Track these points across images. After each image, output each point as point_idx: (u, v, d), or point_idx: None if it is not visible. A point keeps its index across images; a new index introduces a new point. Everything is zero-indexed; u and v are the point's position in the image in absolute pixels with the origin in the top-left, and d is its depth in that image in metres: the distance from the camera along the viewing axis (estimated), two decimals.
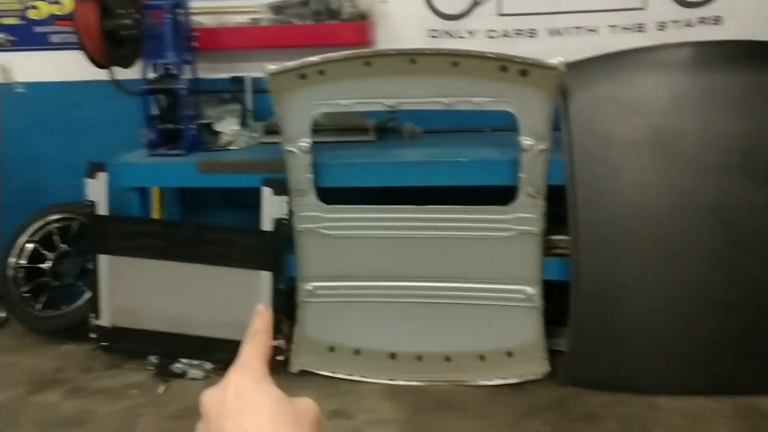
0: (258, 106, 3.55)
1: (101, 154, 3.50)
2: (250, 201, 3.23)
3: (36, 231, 3.67)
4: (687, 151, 2.78)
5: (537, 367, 3.01)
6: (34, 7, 3.68)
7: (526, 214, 2.89)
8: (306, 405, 0.64)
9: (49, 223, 3.67)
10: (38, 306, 3.62)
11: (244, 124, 3.46)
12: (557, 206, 2.93)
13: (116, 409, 2.99)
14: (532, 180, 2.84)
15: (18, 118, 3.85)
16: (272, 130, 3.40)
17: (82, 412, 3.00)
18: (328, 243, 3.05)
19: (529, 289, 2.98)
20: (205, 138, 3.38)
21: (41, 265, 3.69)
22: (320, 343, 3.15)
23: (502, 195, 2.94)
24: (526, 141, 2.80)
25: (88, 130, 3.78)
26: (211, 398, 0.63)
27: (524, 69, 2.71)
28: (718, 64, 2.80)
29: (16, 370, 3.40)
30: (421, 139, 3.39)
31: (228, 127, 3.35)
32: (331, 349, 3.15)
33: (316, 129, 3.03)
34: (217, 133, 3.39)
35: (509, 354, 3.04)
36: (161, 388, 3.12)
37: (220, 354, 3.18)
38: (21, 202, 3.89)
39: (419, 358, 3.10)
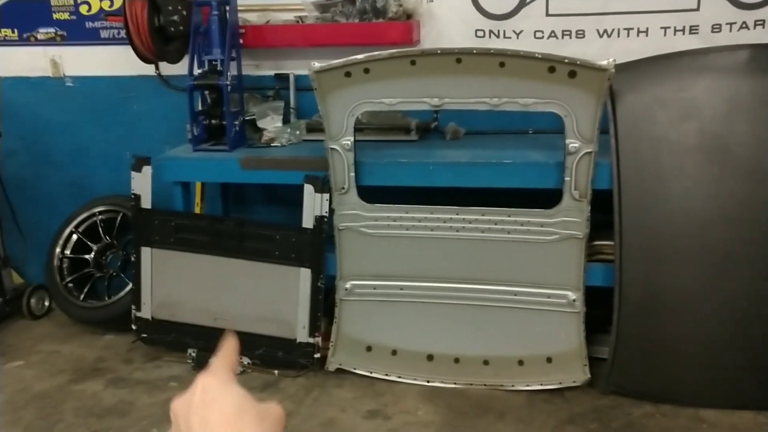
0: (301, 103, 3.56)
1: (147, 149, 3.55)
2: (292, 198, 3.24)
3: (81, 222, 3.74)
4: (740, 158, 2.70)
5: (577, 374, 2.95)
6: (85, 3, 3.75)
7: (570, 218, 2.84)
8: (271, 406, 0.65)
9: (94, 215, 3.74)
10: (81, 296, 3.69)
11: (287, 121, 3.47)
12: (602, 211, 2.87)
13: (156, 401, 3.03)
14: (577, 183, 2.79)
15: (67, 111, 3.92)
16: (315, 128, 3.40)
17: (122, 402, 3.04)
18: (368, 242, 3.04)
19: (571, 295, 2.93)
20: (248, 134, 3.40)
21: (85, 256, 3.75)
22: (357, 342, 3.14)
23: (546, 198, 2.89)
24: (572, 143, 2.75)
25: (135, 124, 3.84)
26: (178, 402, 0.65)
27: (573, 70, 2.66)
28: None
29: (59, 358, 3.47)
30: (463, 140, 3.36)
31: (271, 124, 3.36)
32: (369, 348, 3.14)
33: (359, 128, 3.02)
34: (260, 130, 3.40)
35: (549, 360, 2.99)
36: None
37: (258, 349, 3.20)
38: (68, 194, 3.97)
39: (457, 360, 3.07)
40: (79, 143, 3.94)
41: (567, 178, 2.79)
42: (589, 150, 2.74)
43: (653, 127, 2.79)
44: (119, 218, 3.69)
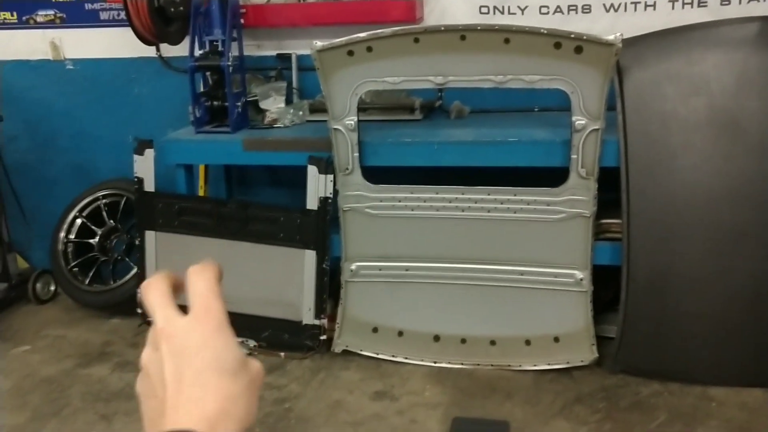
0: (304, 84, 3.52)
1: (149, 131, 3.53)
2: (295, 179, 3.21)
3: (85, 206, 3.73)
4: (751, 134, 2.65)
5: (585, 353, 2.94)
6: None
7: (577, 197, 2.81)
8: (256, 368, 0.61)
9: (98, 199, 3.72)
10: (86, 281, 3.68)
11: (289, 101, 3.43)
12: (609, 189, 2.83)
13: None
14: (584, 161, 2.75)
15: (68, 94, 3.89)
16: (318, 108, 3.37)
17: (129, 386, 3.03)
18: (373, 223, 3.01)
19: (579, 274, 2.90)
20: (251, 116, 3.37)
21: (90, 240, 3.74)
22: (363, 323, 3.13)
23: (553, 176, 2.86)
24: (579, 121, 2.70)
25: (137, 107, 3.80)
26: (171, 339, 0.62)
27: (579, 45, 2.61)
28: None
29: (65, 343, 3.47)
30: (468, 119, 3.31)
31: (274, 105, 3.33)
32: (375, 329, 3.13)
33: (362, 108, 2.98)
34: (262, 111, 3.37)
35: (556, 339, 2.97)
36: None
37: (263, 332, 3.19)
38: (71, 178, 3.95)
39: (463, 341, 3.06)
40: (82, 127, 3.91)
41: (574, 156, 2.75)
42: (596, 127, 2.70)
43: (661, 103, 2.74)
44: (123, 202, 3.67)
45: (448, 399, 2.83)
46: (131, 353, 3.33)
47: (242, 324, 3.19)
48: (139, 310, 3.39)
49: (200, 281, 0.65)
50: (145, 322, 3.41)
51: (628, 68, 2.77)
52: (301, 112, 3.34)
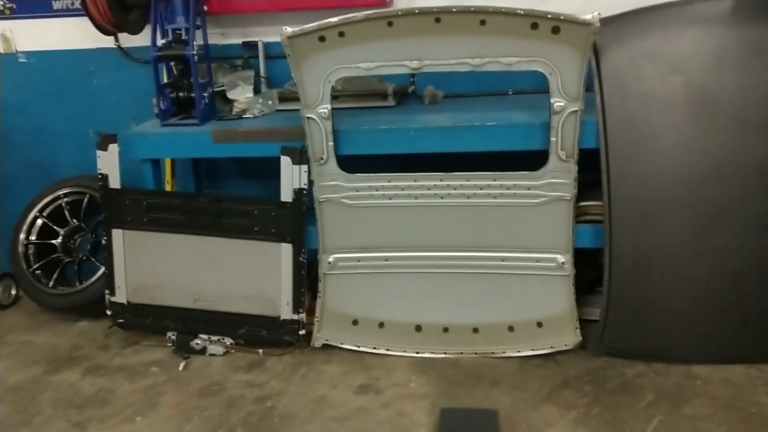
0: (272, 72, 3.41)
1: (111, 125, 3.40)
2: (267, 171, 3.12)
3: (45, 206, 3.57)
4: (729, 111, 2.64)
5: (569, 337, 2.92)
6: None
7: (557, 180, 2.77)
8: None
9: (58, 198, 3.57)
10: (50, 283, 3.53)
11: (257, 91, 3.33)
12: (587, 170, 2.81)
13: (137, 388, 2.92)
14: (563, 143, 2.72)
15: (23, 89, 3.72)
16: (288, 97, 3.27)
17: (102, 390, 2.92)
18: (350, 213, 2.94)
19: (560, 257, 2.87)
20: (218, 107, 3.25)
21: (52, 241, 3.59)
22: (343, 316, 3.06)
23: (532, 160, 2.81)
24: (557, 102, 2.67)
25: (97, 100, 3.65)
26: None
27: (556, 26, 2.57)
28: (763, 16, 2.65)
29: (32, 348, 3.33)
30: (442, 104, 3.26)
31: (242, 94, 3.22)
32: (355, 322, 3.06)
33: (333, 95, 2.88)
34: (230, 102, 3.26)
35: (539, 324, 2.95)
36: (181, 365, 3.04)
37: (240, 329, 3.10)
38: (29, 177, 3.79)
39: (446, 330, 3.01)
40: (39, 122, 3.75)
41: (553, 139, 2.72)
42: (575, 108, 2.66)
43: (640, 82, 2.71)
44: (86, 200, 3.52)
45: (434, 389, 2.78)
46: (102, 356, 3.20)
47: (218, 321, 3.11)
48: (108, 312, 3.26)
49: None
50: (116, 324, 3.29)
51: (605, 48, 2.74)
52: (270, 102, 3.24)
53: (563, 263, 2.87)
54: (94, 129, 3.66)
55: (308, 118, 2.81)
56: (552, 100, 2.66)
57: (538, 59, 2.62)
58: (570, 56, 2.59)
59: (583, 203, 2.89)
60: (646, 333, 2.82)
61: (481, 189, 2.84)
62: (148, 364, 3.10)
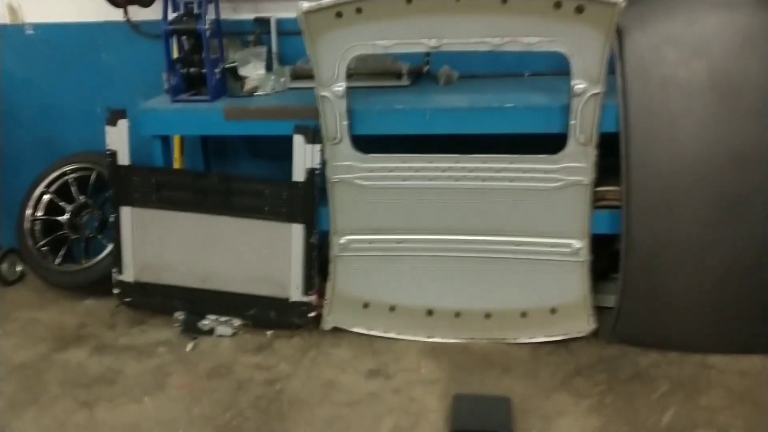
0: (284, 49, 3.34)
1: (118, 101, 3.33)
2: (277, 150, 3.06)
3: (52, 182, 3.52)
4: (752, 97, 2.58)
5: (583, 324, 2.88)
6: None
7: (575, 164, 2.72)
8: None
9: (65, 174, 3.51)
10: (57, 260, 3.49)
11: (269, 68, 3.26)
12: (605, 155, 2.75)
13: (145, 368, 2.88)
14: (583, 127, 2.66)
15: (29, 63, 3.65)
16: (300, 75, 3.21)
17: (109, 370, 2.89)
18: (363, 194, 2.89)
19: (576, 243, 2.82)
20: (229, 83, 3.18)
21: (59, 218, 3.54)
22: (354, 299, 3.02)
23: (548, 144, 2.76)
24: (578, 85, 2.60)
25: (104, 75, 3.58)
26: None
27: (580, 5, 2.49)
28: None
29: (38, 326, 3.29)
30: (457, 84, 3.19)
31: (254, 71, 3.15)
32: (366, 305, 3.02)
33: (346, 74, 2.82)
34: (241, 79, 3.19)
35: (553, 311, 2.90)
36: (189, 346, 3.01)
37: (249, 310, 3.07)
38: (37, 152, 3.73)
39: (458, 315, 2.97)
40: (46, 98, 3.68)
41: (572, 122, 2.66)
42: (597, 91, 2.60)
43: (661, 66, 2.64)
44: (93, 176, 3.47)
45: (445, 375, 2.75)
46: (109, 335, 3.17)
47: (227, 302, 3.07)
48: (115, 291, 3.22)
49: None
50: (123, 303, 3.25)
51: (629, 30, 2.67)
52: (282, 79, 3.18)
53: (579, 249, 2.82)
54: (101, 105, 3.59)
55: (322, 96, 2.75)
56: (572, 83, 2.60)
57: (559, 40, 2.55)
58: (593, 37, 2.52)
59: (600, 188, 2.84)
60: (661, 322, 2.77)
61: (497, 172, 2.79)
62: (155, 344, 3.07)
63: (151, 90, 3.38)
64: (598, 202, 2.85)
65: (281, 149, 2.97)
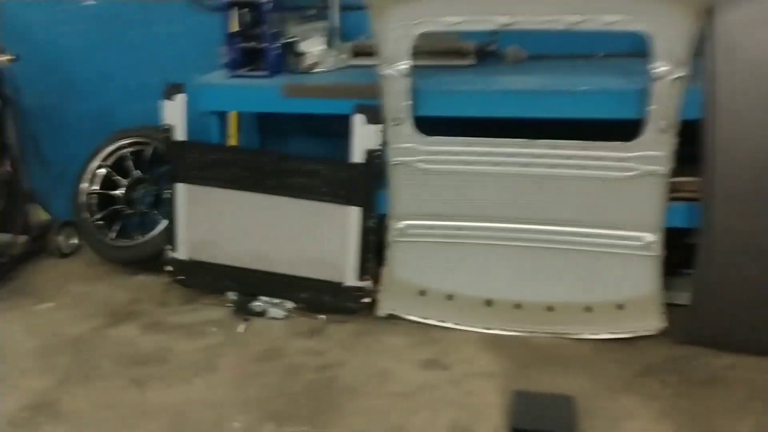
0: (345, 24, 3.23)
1: (173, 75, 3.28)
2: (335, 129, 2.96)
3: (108, 155, 3.50)
4: None
5: (652, 322, 2.72)
6: None
7: (652, 152, 2.55)
8: None
9: (121, 148, 3.48)
10: (111, 234, 3.47)
11: (329, 44, 3.15)
12: (682, 143, 2.57)
13: (196, 348, 2.84)
14: (663, 113, 2.48)
15: (87, 35, 3.61)
16: (362, 51, 3.10)
17: (161, 348, 2.86)
18: (424, 178, 2.77)
19: (649, 236, 2.66)
20: (288, 59, 3.09)
21: (114, 192, 3.52)
22: (410, 286, 2.92)
23: (619, 131, 2.59)
24: (660, 67, 2.42)
25: (161, 48, 3.52)
26: None
27: None
28: None
29: (91, 300, 3.29)
30: (525, 65, 3.03)
31: (314, 47, 3.05)
32: (422, 293, 2.92)
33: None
34: (301, 54, 3.09)
35: (620, 307, 2.75)
36: (241, 327, 2.96)
37: (303, 293, 3.00)
38: (92, 124, 3.72)
39: (518, 306, 2.85)
40: (101, 69, 3.65)
41: (652, 107, 2.48)
42: (681, 74, 2.42)
43: (755, 49, 2.44)
44: (149, 151, 3.43)
45: (503, 369, 2.63)
46: (160, 312, 3.14)
47: (280, 284, 3.01)
48: (169, 268, 3.19)
49: None
50: (175, 280, 3.21)
51: (720, 9, 2.46)
52: (343, 56, 3.07)
53: (652, 243, 2.66)
54: (155, 78, 3.53)
55: (385, 75, 2.63)
56: (654, 65, 2.42)
57: (643, 18, 2.38)
58: (681, 16, 2.34)
59: (675, 179, 2.66)
60: (740, 323, 2.60)
61: (566, 159, 2.64)
62: (206, 323, 3.03)
63: (207, 64, 3.31)
64: (672, 193, 2.68)
65: (338, 128, 2.87)
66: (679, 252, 2.90)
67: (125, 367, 2.74)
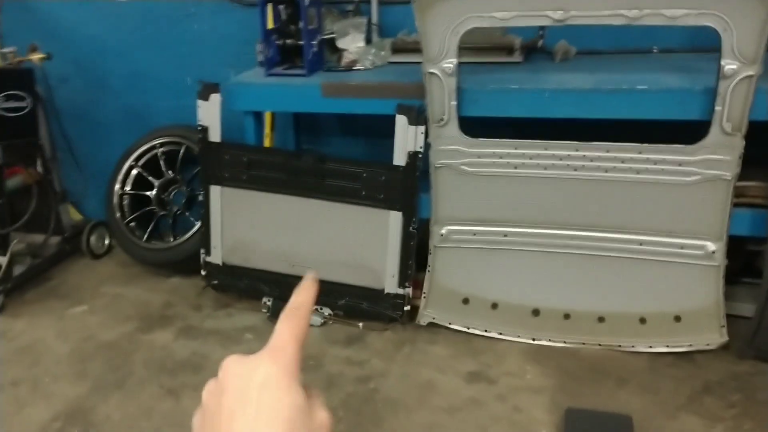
0: (384, 20, 3.10)
1: (209, 73, 3.21)
2: (373, 130, 2.85)
3: (141, 155, 3.42)
4: None
5: (712, 335, 2.56)
6: None
7: (716, 156, 2.38)
8: (323, 421, 0.57)
9: (154, 147, 3.40)
10: (144, 236, 3.39)
11: (368, 40, 3.03)
12: (747, 145, 2.40)
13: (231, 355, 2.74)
14: (730, 114, 2.31)
15: (121, 32, 3.54)
16: (401, 48, 2.97)
17: (196, 355, 2.77)
18: (468, 182, 2.64)
19: (711, 245, 2.50)
20: (326, 56, 2.98)
21: (147, 193, 3.45)
22: (453, 293, 2.79)
23: (680, 133, 2.43)
24: (729, 65, 2.25)
25: (194, 46, 3.43)
26: (234, 371, 0.57)
27: None
28: None
29: (124, 303, 3.22)
30: (575, 61, 2.88)
31: (353, 44, 2.93)
32: (465, 301, 2.79)
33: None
34: (338, 51, 2.97)
35: (677, 318, 2.60)
36: None
37: (341, 299, 2.88)
38: (125, 123, 3.65)
39: (567, 316, 2.70)
40: (136, 67, 3.57)
41: (718, 108, 2.32)
42: (751, 73, 2.25)
43: None
44: (182, 151, 3.34)
45: (552, 383, 2.49)
46: (194, 317, 3.06)
47: (317, 290, 2.89)
48: (203, 272, 3.10)
49: (286, 325, 0.60)
50: (210, 285, 3.12)
51: None
52: (383, 53, 2.94)
53: (713, 252, 2.50)
54: (190, 76, 3.46)
55: (430, 73, 2.50)
56: (722, 62, 2.25)
57: (710, 12, 2.21)
58: (752, 9, 2.17)
59: (739, 183, 2.49)
60: None
61: (622, 162, 2.48)
62: (241, 329, 2.94)
63: (242, 62, 3.22)
64: (736, 198, 2.51)
65: (378, 128, 2.75)
66: (738, 259, 2.75)
67: (159, 375, 2.66)
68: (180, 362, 2.74)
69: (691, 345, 2.58)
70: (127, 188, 3.41)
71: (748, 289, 2.74)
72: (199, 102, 2.84)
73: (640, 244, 2.57)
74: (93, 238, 3.63)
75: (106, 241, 3.70)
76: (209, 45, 3.40)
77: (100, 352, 2.83)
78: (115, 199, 3.40)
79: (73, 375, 2.69)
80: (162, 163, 3.39)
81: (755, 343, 2.50)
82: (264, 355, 0.58)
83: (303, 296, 0.64)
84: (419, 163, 2.65)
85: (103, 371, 2.70)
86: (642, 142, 2.46)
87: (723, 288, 2.53)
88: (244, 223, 2.93)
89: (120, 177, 3.40)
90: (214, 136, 2.86)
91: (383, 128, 2.70)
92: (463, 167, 2.62)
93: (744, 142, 2.34)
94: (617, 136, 2.49)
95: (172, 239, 3.34)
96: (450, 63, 2.47)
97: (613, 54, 2.92)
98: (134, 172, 3.41)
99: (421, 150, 2.63)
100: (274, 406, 0.54)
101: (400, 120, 2.62)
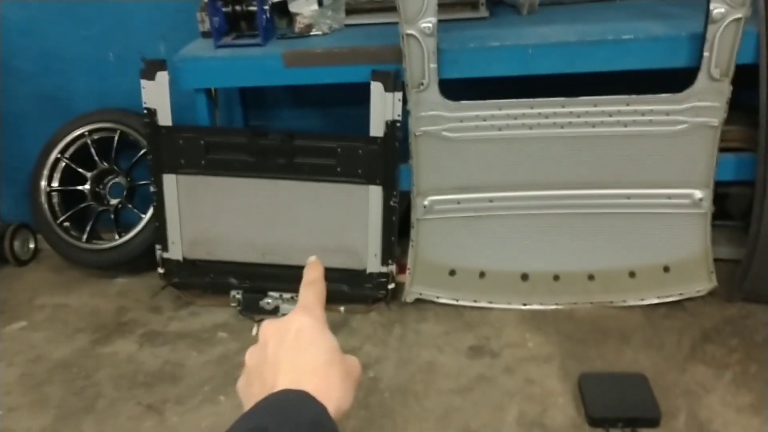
0: None
1: (137, 48, 2.88)
2: (328, 99, 2.63)
3: (68, 146, 3.03)
4: None
5: (701, 282, 2.57)
6: None
7: (704, 103, 2.34)
8: (354, 363, 0.67)
9: (83, 136, 3.02)
10: (84, 236, 3.04)
11: (320, 2, 2.78)
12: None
13: (209, 359, 2.51)
14: (718, 59, 2.27)
15: (27, 5, 3.08)
16: (355, 9, 2.75)
17: (168, 363, 2.51)
18: (451, 148, 2.49)
19: (698, 193, 2.48)
20: (276, 23, 2.71)
21: (79, 188, 3.08)
22: (439, 266, 2.66)
23: (661, 83, 2.38)
24: (717, 9, 2.20)
25: (116, 18, 3.03)
26: (272, 329, 0.66)
27: None
28: None
29: (70, 313, 2.88)
30: (542, 13, 2.76)
31: (306, 6, 2.67)
32: (452, 272, 2.67)
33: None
34: (290, 16, 2.71)
35: (666, 269, 2.59)
36: (254, 329, 2.64)
37: None
38: (40, 112, 3.21)
39: (556, 278, 2.64)
40: (48, 45, 3.12)
41: (706, 53, 2.27)
42: (739, 16, 2.20)
43: None
44: (117, 138, 2.99)
45: (557, 349, 2.43)
46: (156, 321, 2.77)
47: (291, 277, 2.66)
48: (160, 271, 2.81)
49: (310, 290, 0.72)
50: (170, 284, 2.84)
51: None
52: (340, 15, 2.70)
53: (700, 199, 2.49)
54: (114, 52, 3.09)
55: (408, 34, 2.31)
56: (711, 6, 2.19)
57: None
58: None
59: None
60: None
61: (610, 116, 2.41)
62: (212, 328, 2.69)
63: (173, 34, 2.90)
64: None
65: (334, 98, 2.54)
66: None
67: (133, 391, 2.39)
68: (153, 374, 2.47)
69: (681, 294, 2.58)
70: (56, 184, 3.03)
71: (720, 231, 2.76)
72: (144, 82, 2.51)
73: (628, 198, 2.52)
74: (17, 243, 3.23)
75: (32, 245, 3.30)
76: (134, 15, 3.02)
77: (56, 374, 2.51)
78: (43, 198, 3.01)
79: (30, 404, 2.37)
80: (94, 152, 3.02)
81: (744, 287, 2.52)
82: (296, 312, 0.68)
83: (312, 273, 0.74)
84: (398, 132, 2.47)
85: (65, 395, 2.40)
86: (620, 94, 2.39)
87: (710, 234, 2.53)
88: (207, 213, 2.66)
89: (45, 172, 3.01)
90: (164, 119, 2.54)
91: (341, 97, 2.50)
92: (444, 133, 2.46)
93: (731, 87, 2.31)
94: (599, 92, 2.40)
95: (117, 236, 3.00)
96: (429, 22, 2.28)
97: (576, 4, 2.83)
98: (62, 164, 3.02)
99: (399, 118, 2.45)
100: (313, 343, 0.63)
101: (376, 87, 2.41)
